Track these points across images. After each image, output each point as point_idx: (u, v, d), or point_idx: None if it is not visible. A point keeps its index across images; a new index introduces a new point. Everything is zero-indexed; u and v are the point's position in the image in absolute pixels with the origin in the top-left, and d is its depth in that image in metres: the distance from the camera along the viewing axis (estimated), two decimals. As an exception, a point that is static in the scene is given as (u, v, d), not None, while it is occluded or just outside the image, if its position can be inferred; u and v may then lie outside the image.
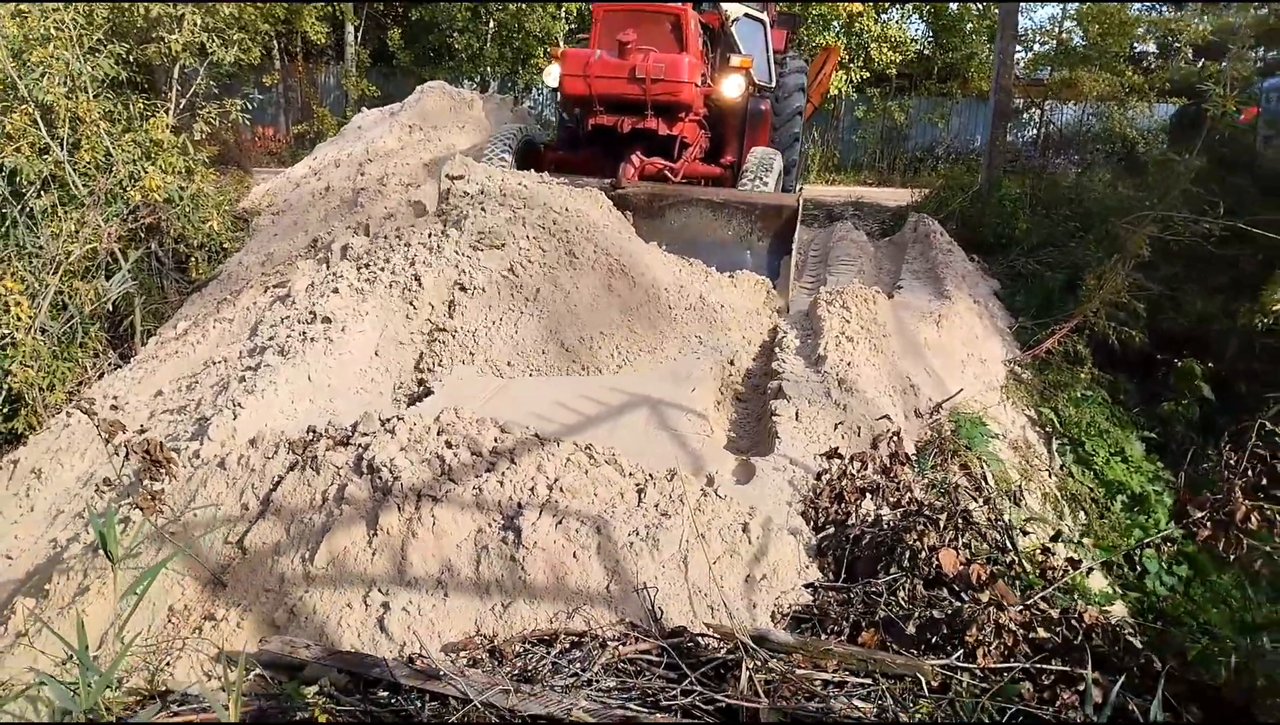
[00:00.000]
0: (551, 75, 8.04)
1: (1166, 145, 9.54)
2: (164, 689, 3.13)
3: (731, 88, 8.24)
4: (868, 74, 20.54)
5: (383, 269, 6.31)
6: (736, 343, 6.41)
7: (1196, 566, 6.50)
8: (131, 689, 3.08)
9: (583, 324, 6.01)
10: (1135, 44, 21.48)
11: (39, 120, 7.29)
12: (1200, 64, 20.51)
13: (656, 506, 3.88)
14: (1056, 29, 22.08)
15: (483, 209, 6.65)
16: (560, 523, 3.64)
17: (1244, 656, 3.59)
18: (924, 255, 9.01)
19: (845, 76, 19.92)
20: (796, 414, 5.23)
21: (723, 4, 9.06)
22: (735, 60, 8.35)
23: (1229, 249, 8.03)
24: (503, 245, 6.35)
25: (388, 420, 3.99)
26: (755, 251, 7.14)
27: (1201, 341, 7.91)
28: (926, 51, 22.16)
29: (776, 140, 9.53)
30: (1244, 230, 7.44)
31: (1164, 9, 23.13)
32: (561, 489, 3.76)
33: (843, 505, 4.43)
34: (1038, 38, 22.36)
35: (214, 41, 9.12)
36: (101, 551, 3.30)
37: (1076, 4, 20.76)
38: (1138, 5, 22.59)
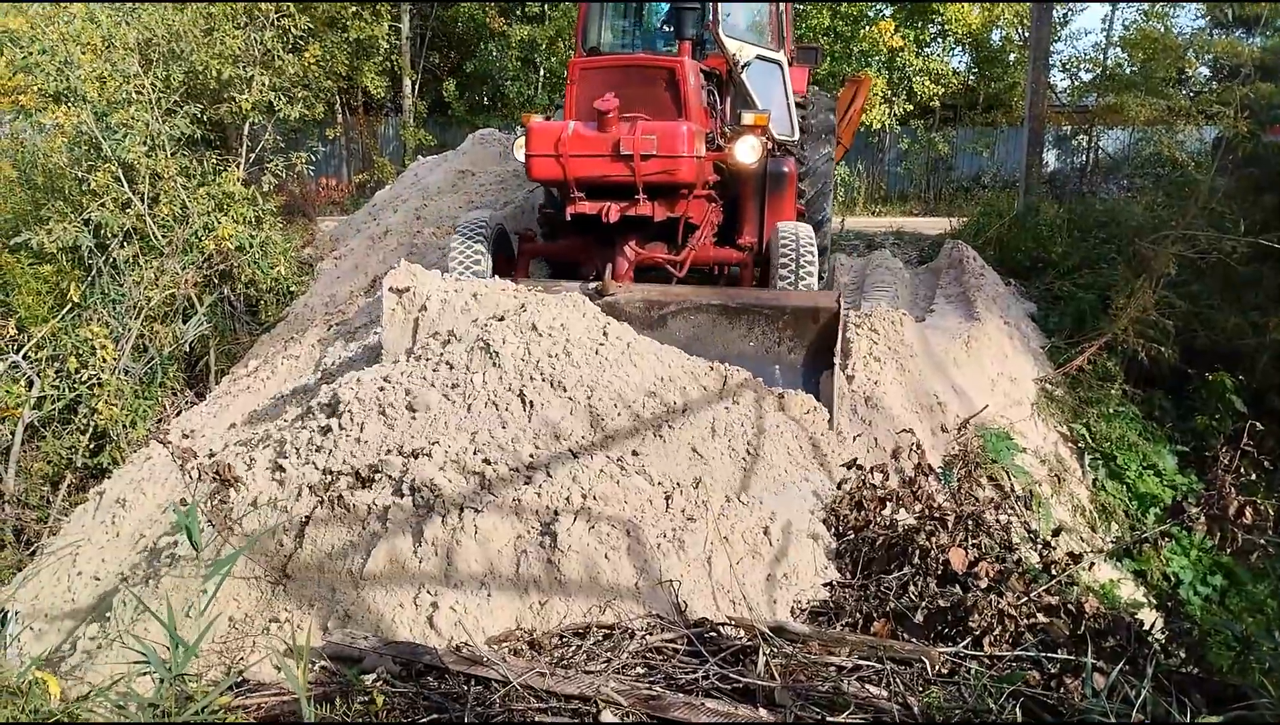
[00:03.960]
0: (521, 150, 6.36)
1: (1213, 169, 9.58)
2: (240, 678, 3.53)
3: (746, 152, 6.49)
4: (911, 106, 20.81)
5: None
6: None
7: (1232, 577, 6.59)
8: (211, 680, 3.48)
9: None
10: (1184, 69, 21.33)
11: (121, 177, 7.90)
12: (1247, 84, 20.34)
13: (683, 511, 4.20)
14: (1101, 56, 22.12)
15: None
16: (593, 527, 3.97)
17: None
18: (957, 280, 9.23)
19: (889, 110, 20.21)
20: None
21: (728, 45, 7.39)
22: (748, 117, 6.73)
23: (1260, 266, 8.14)
24: None
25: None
26: (785, 366, 5.66)
27: (1233, 357, 8.00)
28: (970, 83, 22.38)
29: (805, 208, 7.88)
30: (1271, 248, 7.56)
31: (1216, 32, 22.97)
32: (595, 497, 4.09)
33: (862, 513, 4.70)
34: (1082, 65, 22.39)
35: (280, 100, 9.75)
36: (181, 554, 3.74)
37: (1120, 31, 20.81)
38: (1184, 23, 22.48)
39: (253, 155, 10.02)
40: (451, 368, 4.86)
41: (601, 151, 5.99)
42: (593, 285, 5.88)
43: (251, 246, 8.41)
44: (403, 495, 4.08)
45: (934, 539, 4.17)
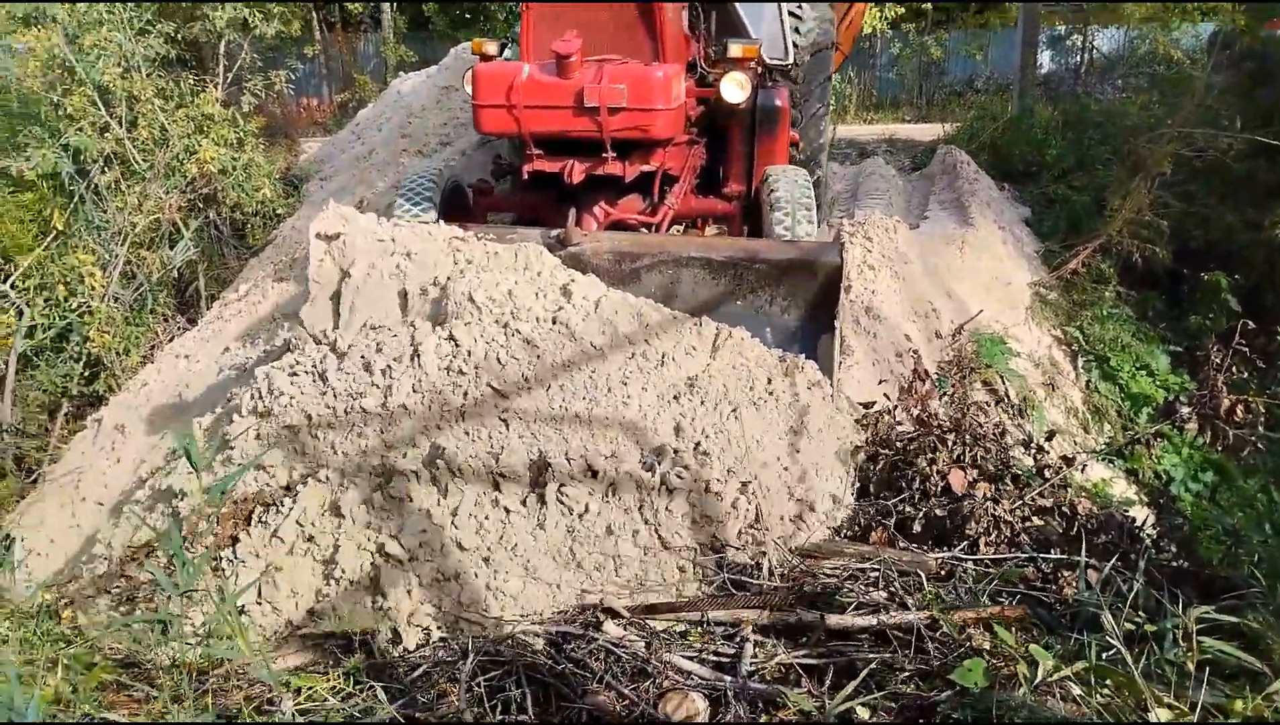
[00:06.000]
0: (470, 84, 5.45)
1: (1209, 65, 9.40)
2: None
3: (733, 91, 5.65)
4: (902, 10, 20.33)
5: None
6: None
7: (1223, 473, 6.69)
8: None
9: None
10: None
11: (97, 100, 7.72)
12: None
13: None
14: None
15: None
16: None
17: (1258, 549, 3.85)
18: (951, 186, 9.16)
19: (880, 14, 19.74)
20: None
21: None
22: (736, 49, 5.75)
23: (1255, 163, 8.06)
24: None
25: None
26: (777, 327, 4.79)
27: (1228, 256, 7.99)
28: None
29: (800, 145, 7.00)
30: (1267, 144, 7.48)
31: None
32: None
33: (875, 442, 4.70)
34: (1078, -40, 21.84)
35: (256, 16, 9.48)
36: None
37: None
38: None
39: (230, 75, 9.79)
40: (369, 369, 4.16)
41: (562, 103, 5.08)
42: (554, 234, 4.93)
43: (235, 169, 8.26)
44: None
45: (934, 462, 4.17)
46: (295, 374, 4.19)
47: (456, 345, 4.13)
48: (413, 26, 22.82)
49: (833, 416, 4.36)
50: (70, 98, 7.54)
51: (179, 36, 8.90)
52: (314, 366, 4.24)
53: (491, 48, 5.72)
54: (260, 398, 4.10)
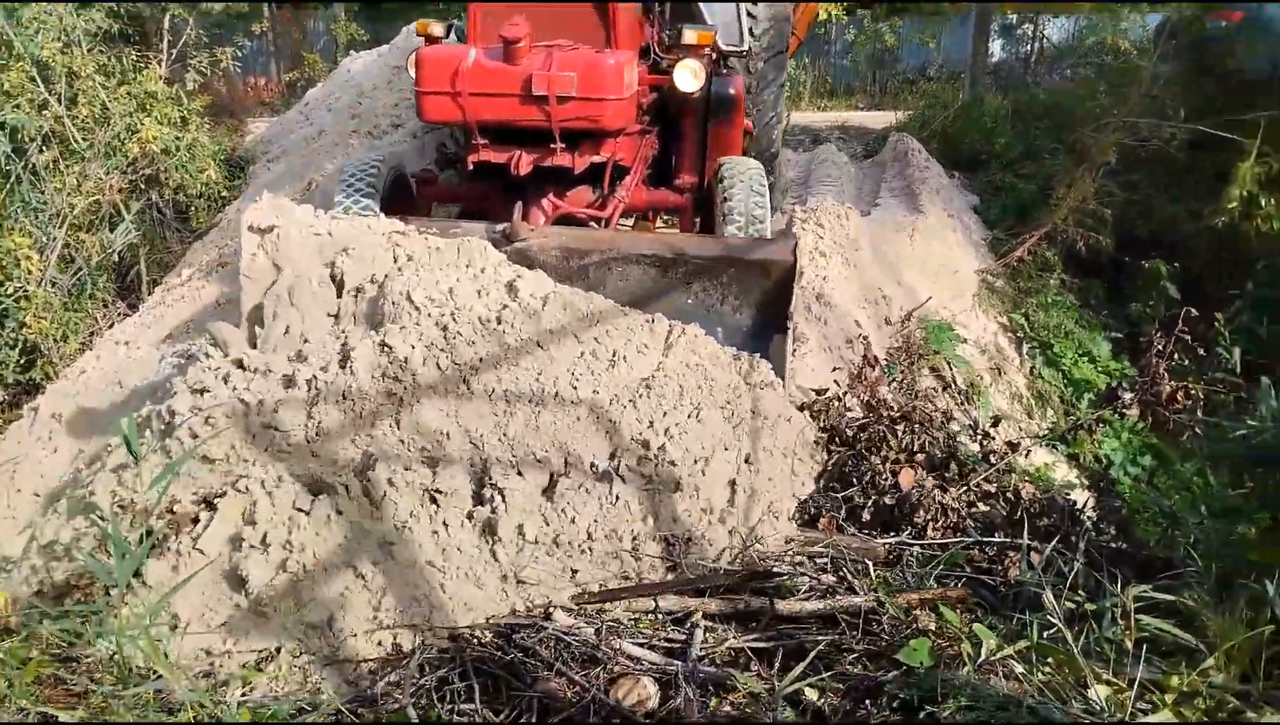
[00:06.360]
0: (414, 66, 5.28)
1: (1155, 55, 9.58)
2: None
3: (687, 80, 5.46)
4: (857, -6, 20.47)
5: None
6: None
7: (1161, 457, 6.86)
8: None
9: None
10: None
11: (36, 76, 7.49)
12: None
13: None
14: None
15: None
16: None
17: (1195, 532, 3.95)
18: (902, 173, 9.25)
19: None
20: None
21: None
22: (690, 36, 5.53)
23: (1198, 154, 8.24)
24: None
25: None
26: (729, 327, 4.68)
27: (1170, 245, 8.18)
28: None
29: (755, 137, 6.85)
30: (1209, 134, 7.64)
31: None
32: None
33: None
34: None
35: (200, -9, 9.27)
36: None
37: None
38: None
39: (174, 51, 9.55)
40: (292, 380, 3.88)
41: (509, 90, 4.86)
42: (500, 228, 4.74)
43: (178, 149, 8.08)
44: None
45: (886, 459, 4.22)
46: (202, 390, 3.85)
47: (391, 351, 3.88)
48: (364, 4, 22.44)
49: (788, 416, 4.32)
50: (7, 73, 7.32)
51: (121, 11, 8.66)
52: (231, 374, 3.92)
53: (437, 29, 5.53)
54: (164, 417, 3.78)
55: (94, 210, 7.40)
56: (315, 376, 3.80)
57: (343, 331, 4.16)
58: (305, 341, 4.18)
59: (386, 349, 3.88)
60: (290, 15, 21.74)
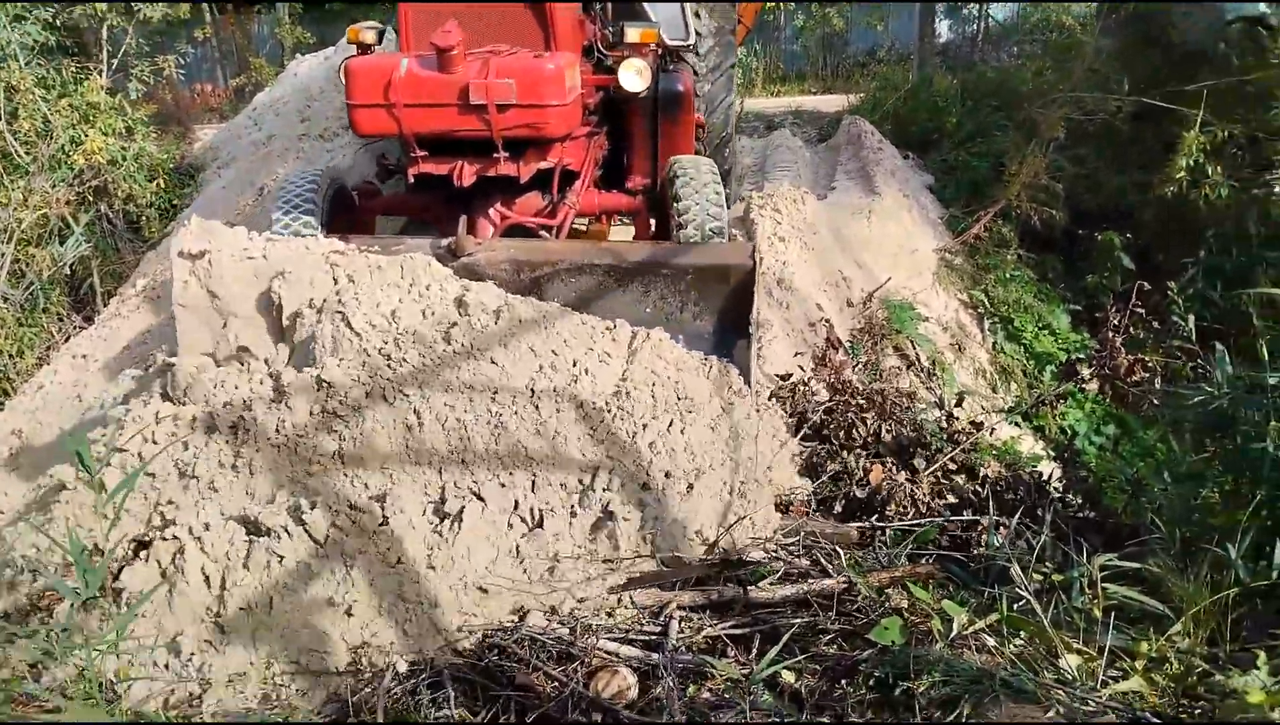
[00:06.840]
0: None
1: (1097, 29, 9.70)
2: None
3: (633, 80, 5.25)
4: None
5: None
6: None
7: (1124, 426, 6.98)
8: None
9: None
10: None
11: (-27, 92, 7.36)
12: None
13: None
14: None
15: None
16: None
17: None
18: (856, 156, 9.30)
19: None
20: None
21: None
22: (634, 34, 5.34)
23: (1142, 125, 8.37)
24: None
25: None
26: (690, 335, 4.49)
27: (1121, 216, 8.30)
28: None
29: (705, 132, 6.60)
30: (1154, 105, 7.76)
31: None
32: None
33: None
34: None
35: (139, -2, 9.12)
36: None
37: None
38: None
39: (115, 61, 9.38)
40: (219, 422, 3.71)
41: (445, 100, 4.54)
42: (445, 243, 4.52)
43: (124, 159, 7.95)
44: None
45: (853, 448, 4.26)
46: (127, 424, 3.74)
47: (330, 386, 3.67)
48: (309, 6, 22.12)
49: (759, 415, 4.30)
50: (-57, 89, 7.19)
51: (58, 23, 8.49)
52: (161, 413, 3.76)
53: (370, 36, 5.21)
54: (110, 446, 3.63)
55: (42, 224, 7.28)
56: (243, 417, 3.66)
57: (275, 362, 4.00)
58: (242, 371, 3.99)
59: (324, 385, 3.70)
60: (233, 19, 21.40)
